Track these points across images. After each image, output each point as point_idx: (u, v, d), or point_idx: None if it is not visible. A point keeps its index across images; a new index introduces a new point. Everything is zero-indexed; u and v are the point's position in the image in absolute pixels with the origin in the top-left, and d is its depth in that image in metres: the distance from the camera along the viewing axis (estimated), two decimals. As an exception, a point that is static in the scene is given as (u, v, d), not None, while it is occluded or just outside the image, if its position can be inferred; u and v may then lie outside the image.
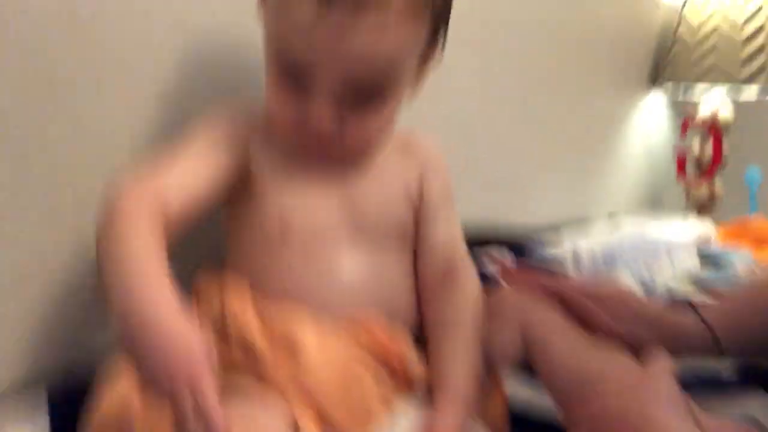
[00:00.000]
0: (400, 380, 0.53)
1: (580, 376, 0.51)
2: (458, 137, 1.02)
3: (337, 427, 0.48)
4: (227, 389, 0.46)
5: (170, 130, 0.63)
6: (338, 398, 0.48)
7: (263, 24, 0.54)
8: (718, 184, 1.50)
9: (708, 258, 1.16)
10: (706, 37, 1.39)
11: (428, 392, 0.54)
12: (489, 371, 0.56)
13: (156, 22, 0.63)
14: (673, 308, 0.60)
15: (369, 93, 0.51)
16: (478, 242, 1.10)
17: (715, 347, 0.55)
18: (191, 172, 0.52)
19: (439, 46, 0.56)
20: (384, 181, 0.59)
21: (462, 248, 0.62)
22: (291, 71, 0.51)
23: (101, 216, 0.46)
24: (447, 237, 0.61)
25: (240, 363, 0.49)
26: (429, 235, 0.60)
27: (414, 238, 0.60)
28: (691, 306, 0.59)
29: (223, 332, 0.50)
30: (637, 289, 0.75)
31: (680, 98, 1.59)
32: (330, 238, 0.55)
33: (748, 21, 1.34)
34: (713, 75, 1.38)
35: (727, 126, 1.47)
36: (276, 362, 0.48)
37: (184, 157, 0.53)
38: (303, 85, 0.50)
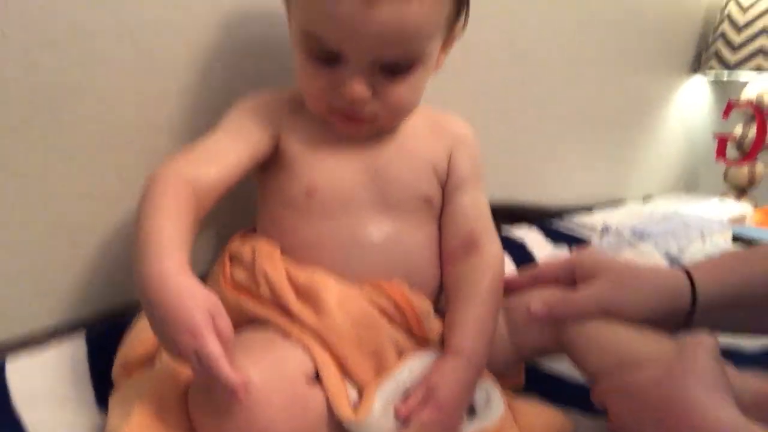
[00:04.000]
0: (417, 339, 0.54)
1: (618, 357, 0.50)
2: (492, 112, 1.04)
3: (353, 374, 0.50)
4: (254, 341, 0.49)
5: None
6: (355, 349, 0.50)
7: (288, 8, 0.56)
8: (760, 166, 1.48)
9: (742, 238, 1.16)
10: (756, 18, 1.36)
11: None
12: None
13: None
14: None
15: (397, 63, 0.52)
16: (508, 218, 1.13)
17: (691, 292, 0.54)
18: (225, 148, 0.54)
19: (462, 20, 0.58)
20: (410, 153, 0.59)
21: (488, 222, 0.62)
22: (321, 51, 0.52)
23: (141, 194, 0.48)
24: (472, 209, 0.61)
25: (268, 317, 0.51)
26: (454, 205, 0.61)
27: (440, 210, 0.61)
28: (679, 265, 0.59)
29: (254, 289, 0.52)
30: (660, 262, 0.75)
31: (725, 80, 1.57)
32: (355, 203, 0.56)
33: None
34: (760, 59, 1.35)
35: (772, 109, 1.44)
36: (301, 315, 0.50)
37: (219, 134, 0.55)
38: (334, 62, 0.52)
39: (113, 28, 0.59)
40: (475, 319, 0.53)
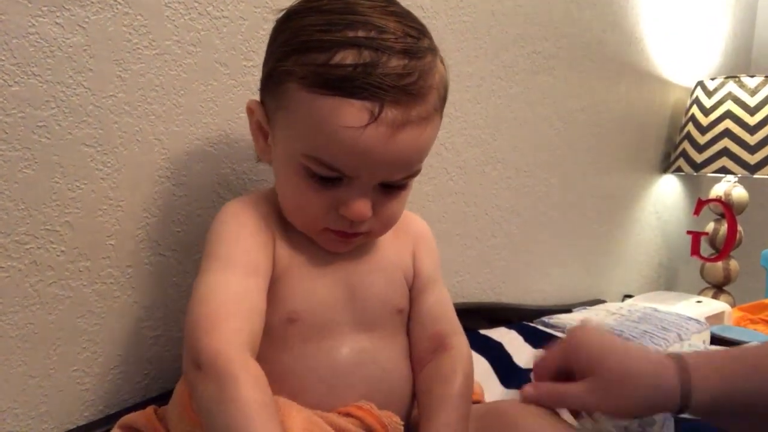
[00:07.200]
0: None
1: None
2: (468, 214, 1.07)
3: None
4: None
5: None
6: None
7: (273, 132, 0.55)
8: (734, 263, 1.51)
9: (719, 337, 1.16)
10: (717, 120, 1.44)
11: None
12: None
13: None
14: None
15: (403, 181, 0.54)
16: (488, 318, 1.13)
17: (685, 395, 0.52)
18: (251, 291, 0.51)
19: None
20: (383, 264, 0.60)
21: (453, 319, 0.62)
22: (326, 173, 0.50)
23: (202, 376, 0.45)
24: (437, 307, 0.61)
25: None
26: (420, 307, 0.61)
27: (408, 313, 0.62)
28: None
29: None
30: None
31: (693, 180, 1.63)
32: (333, 326, 0.56)
33: (760, 106, 1.39)
34: (725, 160, 1.42)
35: (741, 206, 1.49)
36: None
37: (238, 276, 0.51)
38: (336, 182, 0.51)
39: (98, 139, 0.62)
40: (448, 425, 0.52)
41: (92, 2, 0.60)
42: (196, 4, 0.67)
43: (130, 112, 0.63)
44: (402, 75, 0.47)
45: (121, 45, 0.62)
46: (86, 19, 0.60)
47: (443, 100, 0.54)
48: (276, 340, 0.54)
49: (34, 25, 0.57)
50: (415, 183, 0.97)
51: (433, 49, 0.52)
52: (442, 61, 0.54)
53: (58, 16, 0.58)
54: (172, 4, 0.65)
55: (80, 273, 0.62)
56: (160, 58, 0.65)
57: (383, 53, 0.47)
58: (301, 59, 0.49)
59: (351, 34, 0.47)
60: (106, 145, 0.62)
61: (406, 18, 0.51)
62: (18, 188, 0.57)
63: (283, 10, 0.54)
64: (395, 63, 0.47)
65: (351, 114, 0.47)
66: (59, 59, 0.58)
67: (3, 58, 0.55)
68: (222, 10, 0.69)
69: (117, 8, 0.61)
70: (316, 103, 0.48)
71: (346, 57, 0.47)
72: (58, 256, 0.61)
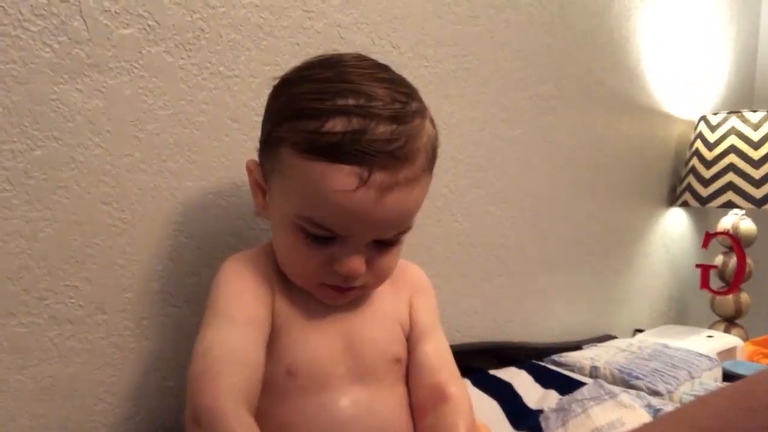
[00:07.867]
0: None
1: None
2: (476, 253, 1.08)
3: None
4: None
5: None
6: None
7: (270, 191, 0.57)
8: (745, 296, 1.50)
9: (731, 373, 1.16)
10: (721, 155, 1.45)
11: None
12: None
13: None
14: None
15: (394, 237, 0.56)
16: (497, 358, 1.13)
17: None
18: (249, 346, 0.52)
19: None
20: (379, 314, 0.61)
21: (452, 368, 0.62)
22: (320, 232, 0.53)
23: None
24: (436, 357, 0.62)
25: None
26: (418, 357, 0.62)
27: (406, 362, 0.62)
28: None
29: None
30: (642, 414, 0.75)
31: (700, 213, 1.63)
32: (332, 379, 0.57)
33: (763, 140, 1.40)
34: (730, 194, 1.42)
35: (749, 238, 1.49)
36: None
37: (237, 330, 0.53)
38: (330, 240, 0.53)
39: (115, 196, 0.65)
40: None
41: (110, 68, 0.63)
42: (208, 65, 0.70)
43: (146, 169, 0.66)
44: (389, 140, 0.50)
45: (137, 106, 0.65)
46: (104, 84, 0.63)
47: (432, 159, 0.56)
48: (276, 393, 0.55)
49: (56, 91, 0.60)
50: (421, 225, 0.99)
51: (421, 112, 0.54)
52: (431, 121, 0.56)
53: (78, 83, 0.61)
54: (185, 66, 0.68)
55: (98, 326, 0.64)
56: (174, 117, 0.68)
57: (371, 120, 0.49)
58: (294, 126, 0.52)
59: (341, 102, 0.50)
60: (123, 202, 0.65)
61: (395, 84, 0.54)
62: (39, 247, 0.60)
63: (277, 78, 0.57)
64: (383, 129, 0.50)
65: (341, 179, 0.50)
66: (79, 123, 0.61)
67: (27, 124, 0.58)
68: (233, 69, 0.72)
69: (133, 72, 0.65)
70: (309, 167, 0.51)
71: (336, 124, 0.49)
72: (76, 310, 0.63)
